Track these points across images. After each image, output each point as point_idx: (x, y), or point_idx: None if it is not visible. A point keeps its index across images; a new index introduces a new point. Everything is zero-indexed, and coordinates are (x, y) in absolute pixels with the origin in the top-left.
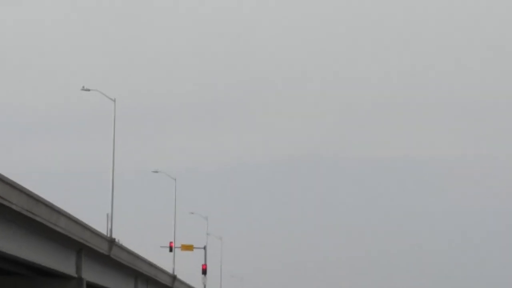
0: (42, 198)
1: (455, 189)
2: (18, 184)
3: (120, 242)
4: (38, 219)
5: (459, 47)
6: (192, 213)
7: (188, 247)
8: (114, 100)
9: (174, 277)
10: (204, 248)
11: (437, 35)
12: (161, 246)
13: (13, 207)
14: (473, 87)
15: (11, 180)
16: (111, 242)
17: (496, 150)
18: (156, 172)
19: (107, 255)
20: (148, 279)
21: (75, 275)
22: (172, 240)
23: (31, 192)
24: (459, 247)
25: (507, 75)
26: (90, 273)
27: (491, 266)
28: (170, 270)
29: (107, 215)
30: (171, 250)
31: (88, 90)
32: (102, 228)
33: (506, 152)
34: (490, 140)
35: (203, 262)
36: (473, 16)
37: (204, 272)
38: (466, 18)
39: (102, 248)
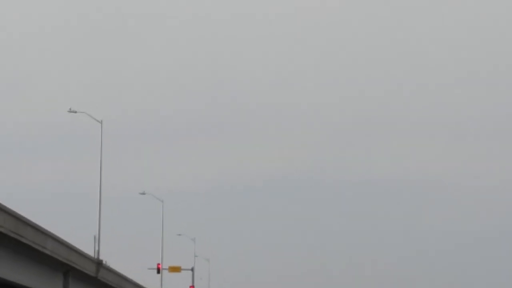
0: (29, 220)
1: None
2: (5, 206)
3: (108, 264)
4: (25, 241)
5: (435, 66)
6: (180, 234)
7: (175, 269)
8: (101, 122)
9: None
10: (192, 269)
11: (416, 54)
12: (148, 268)
13: (0, 229)
14: (450, 105)
15: None
16: (99, 264)
17: (477, 167)
18: (144, 194)
19: (94, 276)
20: None
21: None
22: (160, 262)
23: (18, 214)
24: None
25: (486, 92)
26: None
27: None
28: None
29: (95, 236)
30: (158, 271)
31: (75, 112)
32: (89, 250)
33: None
34: (473, 157)
35: (190, 284)
36: (453, 34)
37: None
38: (446, 36)
39: (90, 269)
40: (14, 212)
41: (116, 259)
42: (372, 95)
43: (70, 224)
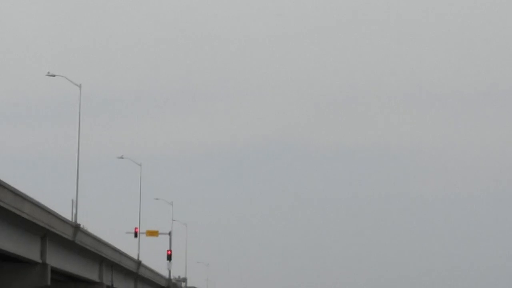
0: (6, 184)
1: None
2: None
3: (85, 228)
4: (2, 204)
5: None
6: (158, 199)
7: (153, 233)
8: (80, 86)
9: (139, 263)
10: (169, 234)
11: (408, 27)
12: (126, 232)
13: None
14: (437, 78)
15: None
16: (76, 227)
17: (472, 139)
18: (122, 158)
19: (71, 240)
20: (112, 265)
21: (39, 260)
22: (137, 226)
23: None
24: (437, 235)
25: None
26: (54, 259)
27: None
28: (135, 256)
29: (72, 200)
30: (136, 235)
31: (54, 75)
32: (67, 214)
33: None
34: (466, 128)
35: (168, 248)
36: (439, 9)
37: (169, 257)
38: (435, 11)
39: (67, 233)
40: None
41: (93, 223)
42: (356, 68)
43: (48, 189)
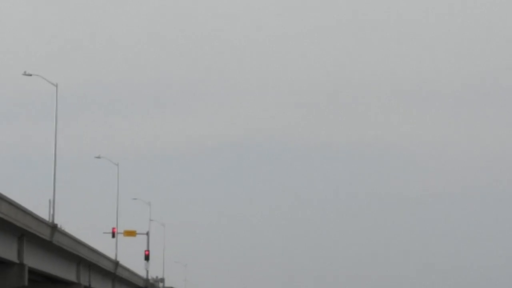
0: None
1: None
2: None
3: (63, 228)
4: None
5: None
6: (135, 198)
7: (131, 233)
8: (56, 85)
9: (116, 263)
10: (147, 234)
11: (408, 27)
12: (103, 232)
13: None
14: (422, 74)
15: None
16: (53, 227)
17: (455, 136)
18: (99, 157)
19: (49, 241)
20: (90, 265)
21: (16, 261)
22: (115, 226)
23: None
24: (425, 232)
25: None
26: (32, 259)
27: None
28: (112, 256)
29: (50, 200)
30: (113, 236)
31: (30, 75)
32: (44, 214)
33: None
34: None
35: (146, 248)
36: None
37: (147, 258)
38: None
39: (44, 233)
40: None
41: (71, 223)
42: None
43: (25, 189)
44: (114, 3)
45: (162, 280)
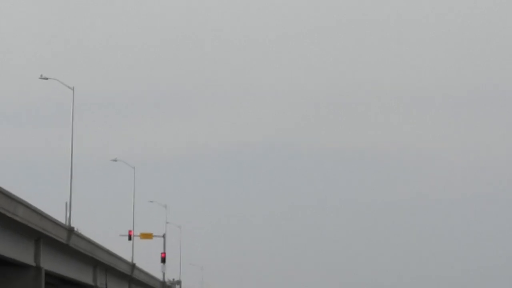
0: (0, 187)
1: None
2: None
3: (79, 231)
4: None
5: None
6: (152, 201)
7: (147, 236)
8: (73, 89)
9: (133, 266)
10: (163, 236)
11: (410, 29)
12: (120, 235)
13: None
14: (429, 79)
15: None
16: (70, 231)
17: (458, 141)
18: (115, 160)
19: (66, 244)
20: (107, 268)
21: (33, 264)
22: (131, 229)
23: None
24: (421, 236)
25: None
26: (48, 262)
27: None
28: (129, 259)
29: (66, 203)
30: (130, 238)
31: (46, 78)
32: (61, 217)
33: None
34: (450, 131)
35: (162, 251)
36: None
37: (163, 260)
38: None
39: (61, 237)
40: None
41: (87, 226)
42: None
43: (42, 192)
44: (120, 6)
45: (179, 282)
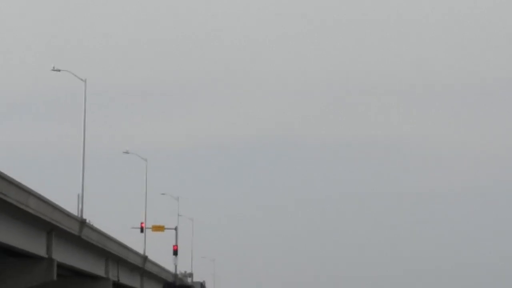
0: (12, 179)
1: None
2: None
3: (91, 223)
4: (8, 199)
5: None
6: (163, 194)
7: (159, 228)
8: (85, 81)
9: (145, 258)
10: (175, 229)
11: (416, 22)
12: (132, 227)
13: None
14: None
15: None
16: (82, 223)
17: (465, 132)
18: (127, 153)
19: (77, 236)
20: (119, 260)
21: (45, 255)
22: (143, 221)
23: (0, 172)
24: (428, 225)
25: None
26: (60, 254)
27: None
28: (141, 251)
29: (78, 195)
30: (142, 231)
31: (59, 70)
32: (73, 209)
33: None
34: (458, 121)
35: (174, 243)
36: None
37: (175, 253)
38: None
39: (73, 229)
40: None
41: (99, 218)
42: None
43: (54, 184)
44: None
45: (191, 275)
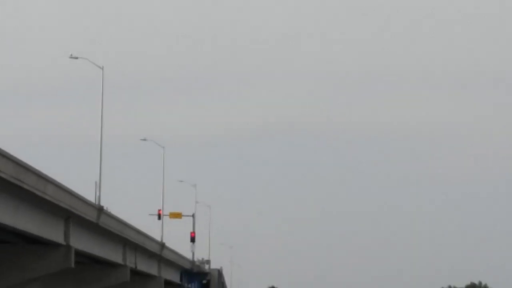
0: (29, 166)
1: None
2: (6, 152)
3: (109, 210)
4: (26, 186)
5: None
6: (181, 181)
7: (176, 215)
8: (102, 68)
9: (162, 245)
10: (193, 216)
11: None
12: (149, 214)
13: (1, 174)
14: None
15: None
16: (100, 210)
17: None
18: (145, 140)
19: (95, 223)
20: (136, 247)
21: (63, 242)
22: (161, 208)
23: (18, 159)
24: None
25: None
26: (78, 241)
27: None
28: (158, 238)
29: (96, 183)
30: (159, 217)
31: (76, 58)
32: (90, 196)
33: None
34: (472, 108)
35: (191, 230)
36: None
37: (193, 239)
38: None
39: (91, 215)
40: (14, 157)
41: (117, 205)
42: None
43: (71, 171)
44: None
45: (208, 262)
